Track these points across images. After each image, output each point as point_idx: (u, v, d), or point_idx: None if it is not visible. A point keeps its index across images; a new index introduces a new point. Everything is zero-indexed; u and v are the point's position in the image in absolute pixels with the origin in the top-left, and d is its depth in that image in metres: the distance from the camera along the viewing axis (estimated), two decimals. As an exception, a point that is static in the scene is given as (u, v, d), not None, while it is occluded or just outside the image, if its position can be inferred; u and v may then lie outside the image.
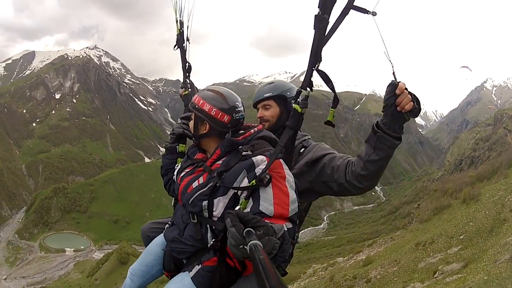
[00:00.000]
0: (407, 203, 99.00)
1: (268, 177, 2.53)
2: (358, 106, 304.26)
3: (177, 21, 4.34)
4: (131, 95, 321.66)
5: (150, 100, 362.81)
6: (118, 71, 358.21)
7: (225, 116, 2.80)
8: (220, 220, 2.66)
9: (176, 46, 4.33)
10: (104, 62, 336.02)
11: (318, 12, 2.52)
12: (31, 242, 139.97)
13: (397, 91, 2.55)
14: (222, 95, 2.84)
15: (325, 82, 2.73)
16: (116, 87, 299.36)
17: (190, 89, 4.26)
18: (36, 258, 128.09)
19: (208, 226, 2.77)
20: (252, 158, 2.65)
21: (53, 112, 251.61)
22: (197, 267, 2.78)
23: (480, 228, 18.33)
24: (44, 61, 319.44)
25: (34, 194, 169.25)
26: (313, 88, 2.76)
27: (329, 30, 2.58)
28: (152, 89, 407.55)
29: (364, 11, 2.42)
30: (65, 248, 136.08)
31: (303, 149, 3.32)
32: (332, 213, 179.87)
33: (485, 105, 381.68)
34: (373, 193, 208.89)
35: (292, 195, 2.57)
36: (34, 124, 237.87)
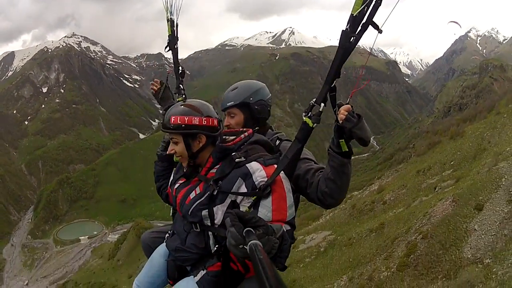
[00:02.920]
0: (401, 149, 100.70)
1: (269, 189, 2.54)
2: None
3: (168, 20, 4.32)
4: (116, 75, 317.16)
5: (135, 77, 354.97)
6: (99, 53, 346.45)
7: (214, 120, 2.81)
8: (222, 227, 2.63)
9: (168, 48, 4.36)
10: (84, 47, 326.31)
11: (346, 29, 2.47)
12: (44, 239, 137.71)
13: (338, 111, 2.62)
14: (197, 107, 2.83)
15: (332, 106, 2.75)
16: (100, 70, 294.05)
17: (184, 95, 4.19)
18: (53, 254, 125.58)
19: (210, 233, 2.77)
20: (247, 165, 2.64)
21: (43, 106, 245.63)
22: (202, 272, 2.79)
23: (466, 155, 23.14)
24: (25, 58, 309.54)
25: (39, 191, 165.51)
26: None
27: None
28: (135, 66, 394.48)
29: (377, 28, 2.40)
30: (79, 237, 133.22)
31: (278, 141, 3.36)
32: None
33: (470, 54, 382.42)
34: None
35: (290, 199, 2.60)
36: (26, 122, 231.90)
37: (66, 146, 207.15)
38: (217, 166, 2.74)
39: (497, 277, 10.69)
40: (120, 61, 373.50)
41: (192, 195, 2.76)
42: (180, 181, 2.95)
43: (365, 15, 2.38)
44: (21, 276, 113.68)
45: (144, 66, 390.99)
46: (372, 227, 20.46)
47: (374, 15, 2.37)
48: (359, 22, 2.40)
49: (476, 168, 18.75)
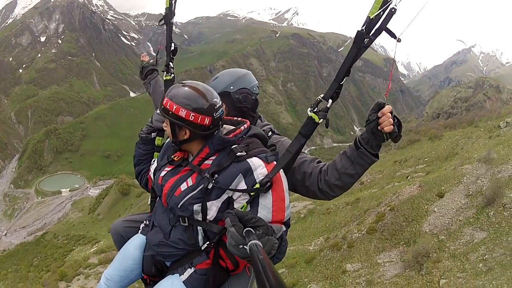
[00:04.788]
0: (385, 146, 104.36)
1: (270, 184, 2.41)
2: (342, 48, 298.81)
3: None
4: (115, 31, 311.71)
5: (133, 35, 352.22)
6: (101, 8, 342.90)
7: (206, 119, 2.47)
8: (214, 222, 2.53)
9: (162, 22, 4.09)
10: (87, 0, 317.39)
11: (362, 30, 2.39)
12: (26, 189, 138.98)
13: (379, 114, 2.46)
14: (199, 92, 2.50)
15: (332, 99, 2.60)
16: (100, 24, 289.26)
17: (173, 74, 3.98)
18: (33, 205, 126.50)
19: (199, 228, 2.60)
20: (248, 160, 2.47)
21: (39, 55, 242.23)
22: (189, 271, 2.65)
23: (439, 156, 26.49)
24: (26, 7, 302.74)
25: (26, 140, 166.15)
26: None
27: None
28: (134, 24, 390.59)
29: (392, 35, 2.33)
30: (61, 190, 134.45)
31: (270, 132, 3.19)
32: (312, 147, 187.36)
33: (470, 68, 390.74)
34: (352, 133, 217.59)
35: (287, 199, 2.50)
36: (20, 71, 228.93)
37: (57, 97, 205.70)
38: (213, 157, 2.57)
39: (449, 251, 13.68)
40: (120, 17, 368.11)
41: (183, 186, 2.55)
42: (167, 168, 2.75)
43: (380, 18, 2.34)
44: (0, 226, 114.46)
45: (144, 25, 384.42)
46: (349, 201, 23.70)
47: (388, 22, 2.33)
48: (374, 25, 2.37)
49: (445, 166, 21.93)
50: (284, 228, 2.43)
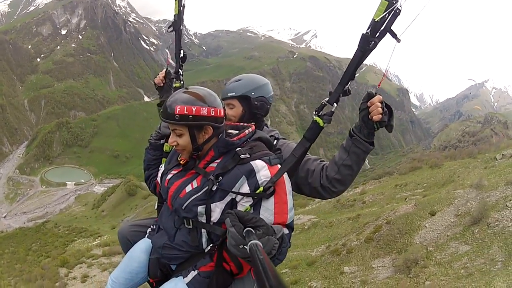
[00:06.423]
0: (389, 174, 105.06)
1: (273, 188, 2.40)
2: (357, 75, 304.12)
3: None
4: (135, 34, 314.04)
5: (153, 40, 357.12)
6: (123, 9, 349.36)
7: (221, 111, 2.54)
8: (218, 225, 2.51)
9: (171, 28, 4.05)
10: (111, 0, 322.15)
11: (367, 33, 2.41)
12: (32, 176, 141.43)
13: (368, 103, 2.53)
14: (202, 96, 2.49)
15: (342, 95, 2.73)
16: (122, 26, 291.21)
17: (182, 82, 3.94)
18: (37, 193, 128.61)
19: (203, 231, 2.58)
20: (251, 162, 2.45)
21: (58, 47, 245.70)
22: (193, 273, 2.64)
23: (437, 182, 28.41)
24: None
25: (37, 129, 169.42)
26: (345, 96, 2.74)
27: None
28: (155, 29, 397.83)
29: (395, 36, 2.34)
30: (66, 182, 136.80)
31: (275, 141, 3.21)
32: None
33: (482, 103, 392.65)
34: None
35: (290, 202, 2.49)
36: (38, 60, 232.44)
37: (72, 91, 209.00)
38: (218, 160, 2.57)
39: (436, 259, 15.44)
40: (141, 21, 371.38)
41: (188, 188, 2.55)
42: (174, 172, 2.75)
43: (385, 21, 2.36)
44: (0, 208, 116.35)
45: (164, 31, 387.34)
46: (350, 216, 25.60)
47: (392, 23, 2.35)
48: (379, 28, 2.38)
49: (440, 192, 23.73)
50: (286, 230, 2.43)
